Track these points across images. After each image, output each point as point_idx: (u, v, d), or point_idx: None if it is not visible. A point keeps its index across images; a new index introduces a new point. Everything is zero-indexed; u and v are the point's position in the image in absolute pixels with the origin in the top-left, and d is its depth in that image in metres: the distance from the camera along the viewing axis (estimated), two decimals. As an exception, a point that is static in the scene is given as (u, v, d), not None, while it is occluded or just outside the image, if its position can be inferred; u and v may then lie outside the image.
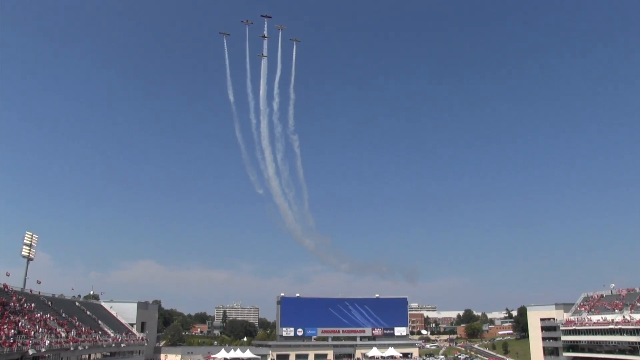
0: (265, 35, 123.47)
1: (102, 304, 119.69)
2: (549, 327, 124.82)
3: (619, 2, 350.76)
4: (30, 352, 59.92)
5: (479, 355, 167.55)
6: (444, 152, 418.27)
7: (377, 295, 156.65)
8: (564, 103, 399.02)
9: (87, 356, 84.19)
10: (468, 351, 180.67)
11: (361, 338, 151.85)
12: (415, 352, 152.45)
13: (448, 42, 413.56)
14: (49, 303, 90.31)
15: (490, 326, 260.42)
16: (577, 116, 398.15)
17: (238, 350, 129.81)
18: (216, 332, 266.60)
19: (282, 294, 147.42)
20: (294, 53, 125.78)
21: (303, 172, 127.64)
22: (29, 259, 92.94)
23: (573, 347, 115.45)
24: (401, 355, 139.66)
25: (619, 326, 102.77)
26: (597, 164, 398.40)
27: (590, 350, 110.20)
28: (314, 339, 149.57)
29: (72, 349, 75.02)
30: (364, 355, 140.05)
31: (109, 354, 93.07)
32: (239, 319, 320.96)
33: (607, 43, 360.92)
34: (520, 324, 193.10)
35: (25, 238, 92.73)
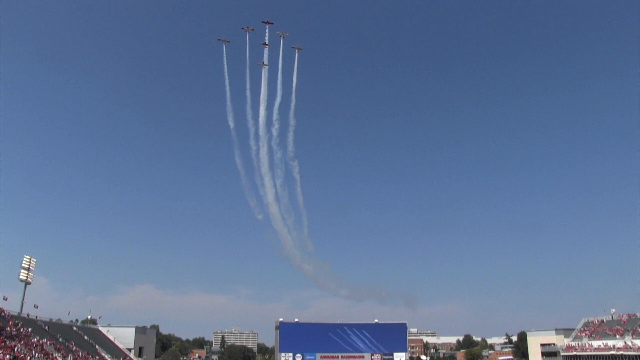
0: (267, 43, 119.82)
1: (100, 328, 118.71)
2: (549, 353, 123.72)
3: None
4: (27, 377, 59.45)
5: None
6: (446, 181, 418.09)
7: (376, 321, 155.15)
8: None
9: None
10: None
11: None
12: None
13: (460, 68, 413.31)
14: (46, 328, 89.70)
15: (490, 351, 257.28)
16: (577, 149, 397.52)
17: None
18: (214, 357, 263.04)
19: (280, 319, 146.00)
20: (296, 62, 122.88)
21: (303, 198, 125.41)
22: (27, 283, 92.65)
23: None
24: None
25: (621, 352, 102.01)
26: (596, 191, 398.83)
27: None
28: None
29: (68, 374, 74.31)
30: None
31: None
32: (238, 344, 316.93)
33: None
34: (520, 350, 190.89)
35: (24, 262, 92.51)
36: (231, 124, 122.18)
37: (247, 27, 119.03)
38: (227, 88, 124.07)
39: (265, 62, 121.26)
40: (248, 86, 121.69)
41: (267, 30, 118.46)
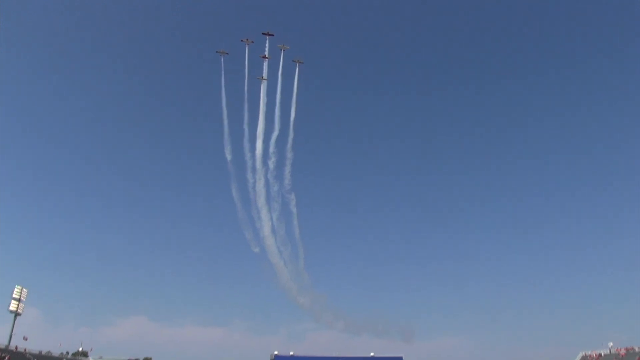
0: (266, 56, 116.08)
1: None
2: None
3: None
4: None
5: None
6: (447, 209, 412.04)
7: (372, 354, 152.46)
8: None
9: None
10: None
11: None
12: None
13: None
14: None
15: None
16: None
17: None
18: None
19: (275, 352, 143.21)
20: (296, 76, 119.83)
21: (299, 231, 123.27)
22: (17, 314, 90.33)
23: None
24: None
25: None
26: (594, 220, 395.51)
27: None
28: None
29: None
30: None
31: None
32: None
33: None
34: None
35: (15, 292, 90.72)
36: (228, 157, 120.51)
37: (247, 40, 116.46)
38: (225, 115, 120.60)
39: (265, 76, 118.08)
40: (246, 112, 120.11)
41: (267, 43, 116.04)
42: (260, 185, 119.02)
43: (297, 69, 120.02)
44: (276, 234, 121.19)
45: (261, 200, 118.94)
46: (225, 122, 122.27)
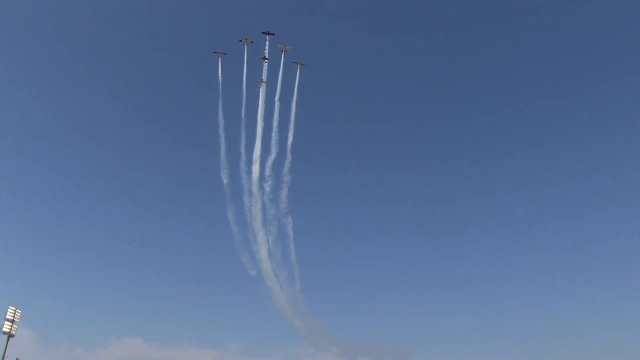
0: (266, 57, 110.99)
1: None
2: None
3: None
4: None
5: None
6: (447, 235, 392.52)
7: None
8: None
9: None
10: None
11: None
12: None
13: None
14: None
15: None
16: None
17: None
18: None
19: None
20: (297, 81, 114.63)
21: (296, 255, 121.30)
22: (10, 336, 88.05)
23: None
24: None
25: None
26: (593, 249, 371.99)
27: None
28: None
29: None
30: None
31: None
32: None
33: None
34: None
35: (8, 313, 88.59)
36: (224, 180, 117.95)
37: (246, 40, 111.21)
38: (222, 131, 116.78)
39: (264, 79, 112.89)
40: (243, 134, 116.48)
41: (267, 43, 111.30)
42: (257, 209, 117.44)
43: (298, 71, 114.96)
44: (272, 258, 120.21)
45: (257, 224, 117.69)
46: (223, 144, 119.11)
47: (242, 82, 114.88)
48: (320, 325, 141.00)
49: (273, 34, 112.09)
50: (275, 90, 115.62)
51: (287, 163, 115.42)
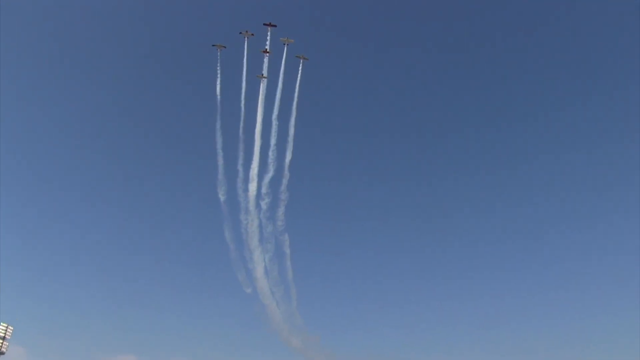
0: (267, 50, 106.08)
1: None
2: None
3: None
4: None
5: None
6: (444, 249, 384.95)
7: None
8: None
9: None
10: None
11: None
12: None
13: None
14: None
15: None
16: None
17: None
18: None
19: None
20: (299, 77, 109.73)
21: (292, 272, 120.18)
22: (1, 353, 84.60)
23: None
24: None
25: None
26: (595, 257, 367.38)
27: None
28: None
29: None
30: None
31: None
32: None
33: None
34: None
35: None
36: (221, 197, 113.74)
37: (246, 32, 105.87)
38: (220, 148, 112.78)
39: (265, 73, 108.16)
40: (241, 151, 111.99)
41: (268, 35, 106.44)
42: (254, 226, 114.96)
43: (300, 67, 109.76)
44: (269, 275, 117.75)
45: (254, 241, 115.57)
46: (220, 161, 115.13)
47: (241, 78, 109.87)
48: (318, 341, 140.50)
49: (275, 26, 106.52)
50: (276, 87, 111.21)
51: (285, 181, 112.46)
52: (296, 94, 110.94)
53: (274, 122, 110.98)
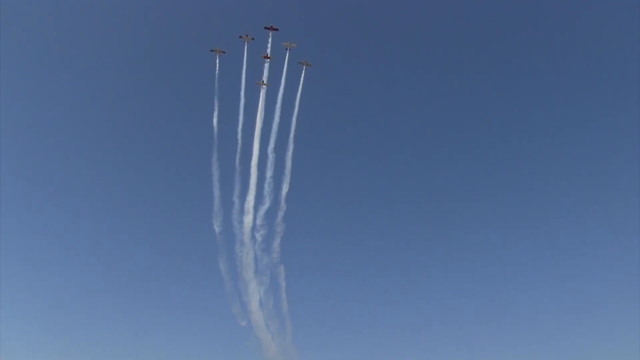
0: (269, 56, 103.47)
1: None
2: None
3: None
4: None
5: None
6: (444, 276, 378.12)
7: None
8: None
9: None
10: None
11: None
12: None
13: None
14: None
15: None
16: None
17: None
18: None
19: None
20: (301, 85, 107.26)
21: (288, 305, 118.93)
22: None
23: None
24: None
25: None
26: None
27: None
28: None
29: None
30: None
31: None
32: None
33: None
34: None
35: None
36: (216, 229, 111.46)
37: (246, 36, 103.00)
38: (216, 180, 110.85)
39: (265, 80, 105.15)
40: (237, 183, 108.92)
41: (270, 39, 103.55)
42: (249, 258, 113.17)
43: (303, 74, 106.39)
44: (264, 308, 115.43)
45: (249, 273, 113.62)
46: (216, 195, 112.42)
47: (240, 86, 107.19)
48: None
49: (277, 29, 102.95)
50: (277, 95, 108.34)
51: (281, 212, 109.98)
52: (296, 108, 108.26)
53: (270, 155, 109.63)
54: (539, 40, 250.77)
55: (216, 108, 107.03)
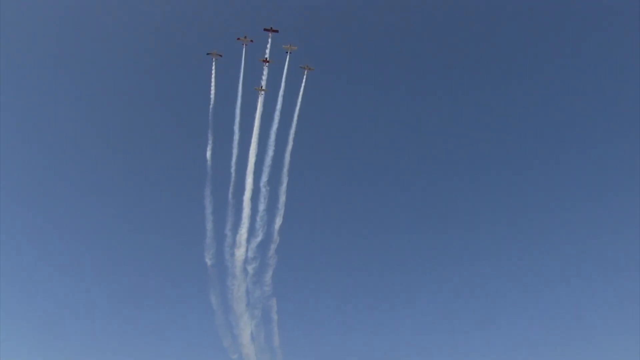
0: (268, 59, 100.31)
1: None
2: None
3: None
4: None
5: None
6: (442, 305, 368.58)
7: None
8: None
9: None
10: None
11: None
12: None
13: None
14: None
15: None
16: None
17: None
18: None
19: None
20: (301, 92, 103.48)
21: (279, 339, 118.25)
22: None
23: None
24: None
25: None
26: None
27: None
28: None
29: None
30: None
31: None
32: None
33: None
34: None
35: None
36: (208, 262, 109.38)
37: (245, 38, 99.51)
38: (209, 213, 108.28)
39: (264, 86, 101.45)
40: (229, 218, 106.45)
41: (269, 42, 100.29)
42: (241, 291, 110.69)
43: (304, 79, 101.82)
44: (255, 342, 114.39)
45: (241, 307, 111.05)
46: (210, 226, 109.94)
47: (237, 93, 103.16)
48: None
49: (277, 31, 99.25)
50: (276, 103, 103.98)
51: (274, 246, 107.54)
52: (295, 117, 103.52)
53: (263, 189, 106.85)
54: (539, 40, 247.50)
55: (210, 141, 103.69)
